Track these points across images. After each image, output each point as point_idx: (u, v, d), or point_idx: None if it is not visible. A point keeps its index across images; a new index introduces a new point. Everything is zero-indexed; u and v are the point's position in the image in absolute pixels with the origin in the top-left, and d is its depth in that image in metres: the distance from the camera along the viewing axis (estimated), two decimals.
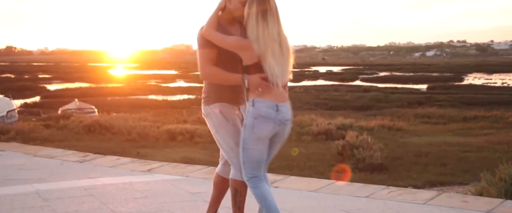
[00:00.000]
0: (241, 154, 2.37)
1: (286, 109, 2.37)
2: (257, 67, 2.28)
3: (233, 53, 2.31)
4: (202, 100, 2.50)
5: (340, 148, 5.88)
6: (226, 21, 2.37)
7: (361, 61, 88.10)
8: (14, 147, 5.98)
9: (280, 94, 2.33)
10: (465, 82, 36.87)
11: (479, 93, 24.44)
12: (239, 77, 2.30)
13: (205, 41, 2.33)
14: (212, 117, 2.45)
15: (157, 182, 4.07)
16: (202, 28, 2.37)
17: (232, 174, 2.53)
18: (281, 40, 2.29)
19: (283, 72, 2.30)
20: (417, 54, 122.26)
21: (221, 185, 2.64)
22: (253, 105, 2.31)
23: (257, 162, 2.37)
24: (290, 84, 2.49)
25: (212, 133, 2.52)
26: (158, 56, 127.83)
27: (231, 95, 2.41)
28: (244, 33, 2.34)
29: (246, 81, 2.29)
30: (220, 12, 2.38)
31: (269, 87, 2.28)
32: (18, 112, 9.33)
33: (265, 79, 2.27)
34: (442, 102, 20.32)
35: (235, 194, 2.53)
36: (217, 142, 2.52)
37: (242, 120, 2.42)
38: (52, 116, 10.86)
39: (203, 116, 2.53)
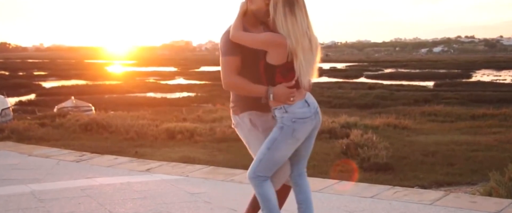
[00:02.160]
0: (262, 152, 2.25)
1: (312, 99, 2.29)
2: (284, 69, 2.15)
3: (258, 59, 2.19)
4: (231, 110, 2.39)
5: (344, 147, 5.80)
6: (249, 23, 2.25)
7: (366, 57, 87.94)
8: (8, 146, 5.95)
9: (301, 90, 2.23)
10: (473, 79, 36.58)
11: (487, 91, 24.22)
12: (263, 90, 2.18)
13: (229, 48, 2.21)
14: (242, 126, 2.35)
15: (156, 182, 4.02)
16: (225, 33, 2.25)
17: None
18: (311, 35, 2.17)
19: (312, 69, 2.20)
20: (423, 50, 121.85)
21: (280, 193, 2.45)
22: (285, 111, 2.21)
23: (276, 164, 2.27)
24: None
25: (244, 143, 2.42)
26: (156, 52, 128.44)
27: (260, 102, 2.28)
28: None
29: (271, 95, 2.18)
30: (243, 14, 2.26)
31: (297, 93, 2.19)
32: (12, 110, 9.26)
33: (291, 87, 2.16)
34: (450, 100, 20.13)
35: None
36: (250, 152, 2.40)
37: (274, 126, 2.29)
38: (47, 114, 10.79)
39: (232, 126, 2.42)
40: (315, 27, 2.22)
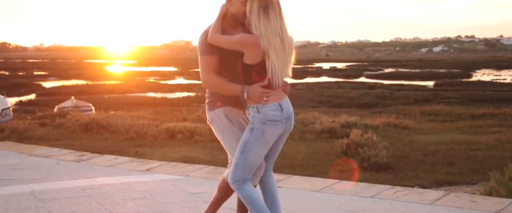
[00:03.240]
0: (237, 156, 2.33)
1: (288, 104, 2.35)
2: (260, 68, 2.22)
3: (236, 59, 2.25)
4: (206, 106, 2.44)
5: (345, 147, 5.80)
6: (229, 25, 2.32)
7: (366, 57, 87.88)
8: (8, 146, 5.94)
9: (279, 92, 2.30)
10: (473, 78, 36.56)
11: (487, 90, 24.22)
12: (239, 89, 2.25)
13: (207, 48, 2.29)
14: (217, 122, 2.40)
15: (156, 182, 4.02)
16: (203, 33, 2.33)
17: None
18: (283, 36, 2.25)
19: (284, 69, 2.27)
20: (423, 50, 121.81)
21: (226, 190, 2.56)
22: (258, 111, 2.26)
23: (252, 166, 2.34)
24: (292, 81, 2.41)
25: (218, 138, 2.46)
26: (156, 52, 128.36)
27: (236, 99, 2.34)
28: None
29: (245, 94, 2.24)
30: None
31: (271, 94, 2.24)
32: (12, 110, 9.25)
33: (266, 86, 2.23)
34: (450, 99, 20.13)
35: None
36: (225, 148, 2.45)
37: (247, 124, 2.35)
38: (47, 114, 10.76)
39: (208, 122, 2.47)
40: (290, 27, 2.30)
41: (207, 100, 2.43)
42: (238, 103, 2.36)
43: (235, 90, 2.26)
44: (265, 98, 2.22)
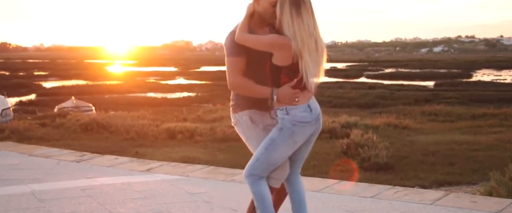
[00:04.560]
0: (260, 151, 2.26)
1: (315, 104, 2.29)
2: (290, 70, 2.17)
3: (264, 60, 2.20)
4: (231, 108, 2.40)
5: (345, 147, 5.79)
6: (256, 25, 2.27)
7: (366, 57, 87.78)
8: (8, 146, 5.95)
9: (307, 93, 2.23)
10: (474, 78, 36.52)
11: (488, 90, 24.18)
12: (268, 91, 2.19)
13: (234, 49, 2.23)
14: (241, 124, 2.36)
15: (156, 182, 4.01)
16: (230, 34, 2.27)
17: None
18: (317, 36, 2.19)
19: (318, 70, 2.21)
20: (424, 50, 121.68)
21: (278, 194, 2.47)
22: (287, 113, 2.21)
23: (273, 165, 2.27)
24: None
25: (243, 140, 2.42)
26: (157, 52, 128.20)
27: (260, 101, 2.28)
28: None
29: (275, 97, 2.18)
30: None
31: (302, 96, 2.19)
32: (13, 110, 9.26)
33: (295, 87, 2.17)
34: (450, 99, 20.10)
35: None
36: (250, 149, 2.40)
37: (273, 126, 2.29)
38: (48, 114, 10.77)
39: (232, 124, 2.43)
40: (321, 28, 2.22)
41: (231, 103, 2.38)
42: (263, 105, 2.28)
43: (264, 92, 2.20)
44: (296, 100, 2.17)
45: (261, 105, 2.29)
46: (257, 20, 2.26)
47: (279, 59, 2.16)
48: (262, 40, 2.18)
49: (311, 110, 2.23)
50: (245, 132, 2.35)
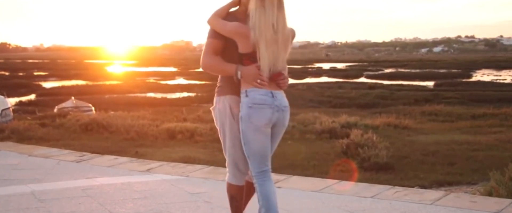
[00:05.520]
0: (244, 149, 2.31)
1: (282, 96, 2.32)
2: (252, 57, 2.23)
3: (236, 47, 2.25)
4: (216, 90, 2.44)
5: (345, 147, 5.78)
6: (242, 14, 2.32)
7: (366, 57, 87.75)
8: (8, 146, 5.94)
9: (274, 85, 2.28)
10: (474, 79, 36.55)
11: (488, 90, 24.18)
12: (233, 68, 2.25)
13: (212, 32, 2.32)
14: (220, 109, 2.38)
15: (156, 182, 4.01)
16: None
17: (227, 178, 2.47)
18: (278, 28, 2.23)
19: (274, 60, 2.24)
20: (423, 50, 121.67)
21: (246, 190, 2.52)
22: (246, 95, 2.25)
23: (260, 155, 2.30)
24: (293, 81, 2.40)
25: (216, 125, 2.46)
26: (157, 52, 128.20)
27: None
28: None
29: (239, 73, 2.24)
30: (236, 6, 2.35)
31: (268, 83, 2.23)
32: (12, 110, 9.25)
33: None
34: (450, 99, 20.11)
35: (231, 199, 2.48)
36: (219, 136, 2.45)
37: None
38: (48, 114, 10.76)
39: (211, 108, 2.46)
40: (290, 21, 2.28)
41: (218, 84, 2.43)
42: None
43: (229, 70, 2.26)
44: (259, 81, 2.21)
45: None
46: (243, 9, 2.32)
47: (240, 46, 2.25)
48: (225, 27, 2.27)
49: (273, 96, 2.27)
50: (223, 119, 2.38)
